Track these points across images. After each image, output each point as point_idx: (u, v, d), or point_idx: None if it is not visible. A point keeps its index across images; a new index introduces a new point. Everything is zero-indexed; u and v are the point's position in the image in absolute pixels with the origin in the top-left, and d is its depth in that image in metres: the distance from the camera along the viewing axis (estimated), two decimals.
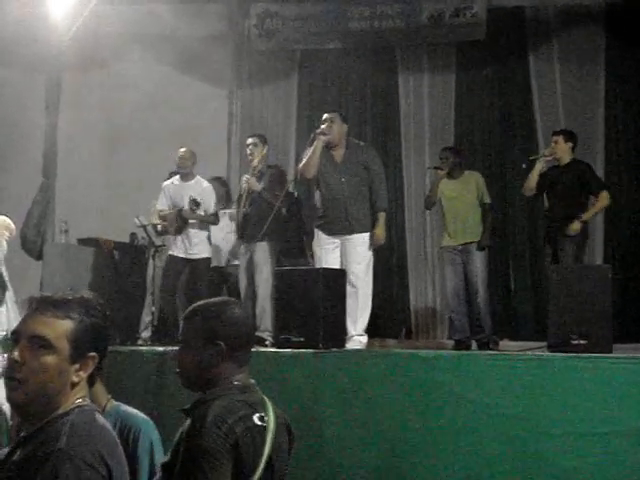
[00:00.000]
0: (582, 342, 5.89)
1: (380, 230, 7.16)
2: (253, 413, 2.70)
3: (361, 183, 7.21)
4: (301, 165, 7.32)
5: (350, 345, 6.79)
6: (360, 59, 10.61)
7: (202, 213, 8.16)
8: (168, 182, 8.43)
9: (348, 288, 6.83)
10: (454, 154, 8.27)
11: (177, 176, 8.43)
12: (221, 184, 9.09)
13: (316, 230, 7.28)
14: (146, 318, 8.42)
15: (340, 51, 10.57)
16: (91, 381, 2.27)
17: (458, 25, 10.08)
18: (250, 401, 2.74)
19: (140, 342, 8.09)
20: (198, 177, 8.39)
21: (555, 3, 10.14)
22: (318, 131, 7.17)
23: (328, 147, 7.23)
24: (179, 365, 2.86)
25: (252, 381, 2.85)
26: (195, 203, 8.05)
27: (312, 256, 7.68)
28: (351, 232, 7.10)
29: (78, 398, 2.20)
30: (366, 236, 7.13)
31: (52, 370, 2.15)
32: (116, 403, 3.48)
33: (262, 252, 7.92)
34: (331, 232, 7.15)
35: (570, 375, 5.48)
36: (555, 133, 8.00)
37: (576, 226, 7.51)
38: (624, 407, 5.34)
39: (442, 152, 8.42)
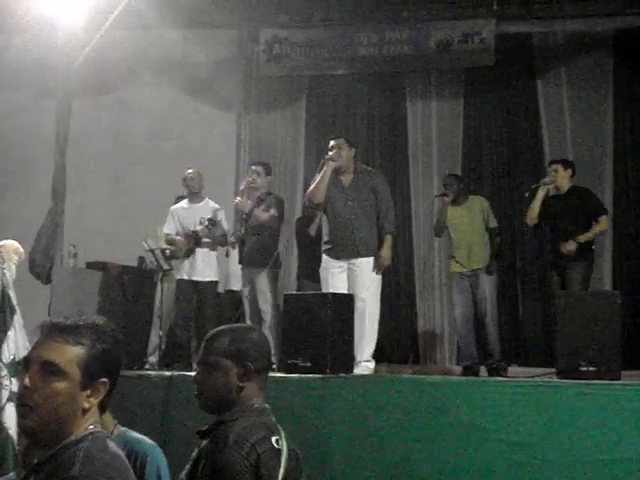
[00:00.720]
0: (591, 369, 5.88)
1: (386, 252, 7.15)
2: (271, 435, 2.74)
3: (368, 207, 7.22)
4: (309, 190, 7.33)
5: (357, 371, 6.76)
6: (368, 85, 10.66)
7: (217, 233, 8.18)
8: (177, 206, 8.44)
9: (355, 313, 6.80)
10: (457, 181, 8.31)
11: (185, 200, 8.44)
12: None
13: (323, 255, 7.28)
14: (154, 342, 8.41)
15: (348, 77, 10.61)
16: (102, 407, 2.25)
17: (466, 51, 10.12)
18: (267, 423, 2.79)
19: (147, 366, 8.08)
20: (207, 199, 8.41)
21: (563, 29, 10.18)
22: (327, 157, 7.20)
23: (336, 172, 7.25)
24: (199, 387, 2.89)
25: (266, 405, 2.89)
26: (212, 222, 8.06)
27: None
28: (358, 256, 7.09)
29: (90, 425, 2.20)
30: (372, 260, 7.12)
31: (63, 396, 2.14)
32: (123, 429, 3.46)
33: (263, 279, 7.86)
34: (338, 256, 7.15)
35: (579, 402, 5.47)
36: (553, 162, 8.06)
37: (570, 246, 7.51)
38: (633, 434, 5.31)
39: (446, 179, 8.47)
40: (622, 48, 10.00)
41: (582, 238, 7.54)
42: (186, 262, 8.18)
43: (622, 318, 6.19)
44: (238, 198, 8.10)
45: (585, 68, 10.10)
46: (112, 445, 2.21)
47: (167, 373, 6.64)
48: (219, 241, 8.26)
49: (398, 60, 10.39)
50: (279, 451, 2.73)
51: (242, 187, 8.15)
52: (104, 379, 2.20)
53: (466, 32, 10.05)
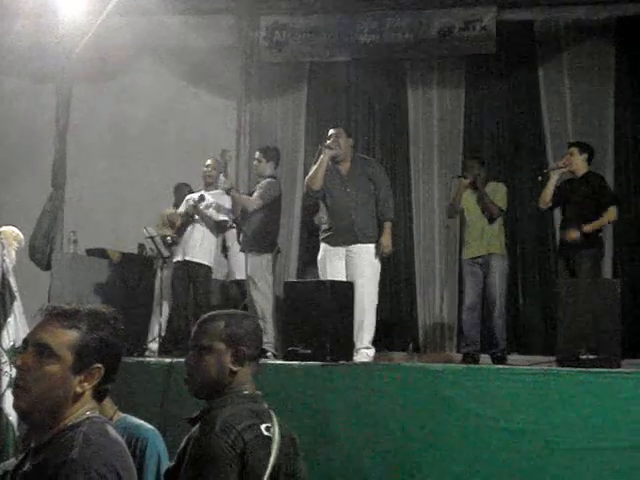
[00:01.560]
0: (591, 357, 5.88)
1: (386, 239, 7.16)
2: (261, 423, 2.72)
3: (366, 195, 7.25)
4: (307, 178, 7.35)
5: (357, 358, 6.78)
6: (369, 72, 10.62)
7: (207, 212, 8.16)
8: (193, 195, 8.46)
9: (354, 300, 6.82)
10: (479, 164, 8.18)
11: (201, 190, 8.44)
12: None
13: (322, 243, 7.29)
14: (154, 329, 8.42)
15: (349, 64, 10.59)
16: (100, 394, 2.26)
17: (467, 38, 10.08)
18: (258, 411, 2.77)
19: (147, 353, 8.09)
20: (221, 190, 8.40)
21: (564, 16, 10.14)
22: (325, 144, 7.21)
23: (334, 161, 7.27)
24: (190, 371, 2.86)
25: (258, 392, 2.87)
26: (201, 197, 8.08)
27: None
28: (355, 242, 7.10)
29: (87, 410, 2.20)
30: (371, 247, 7.14)
31: (54, 378, 2.15)
32: (123, 415, 3.48)
33: (254, 265, 7.82)
34: (336, 243, 7.16)
35: (579, 390, 5.48)
36: (571, 145, 7.92)
37: (573, 234, 7.45)
38: (632, 422, 5.33)
39: (468, 161, 8.38)
40: (624, 36, 9.97)
41: (588, 228, 7.43)
42: (181, 243, 8.21)
43: (622, 306, 6.18)
44: (222, 177, 8.07)
45: (586, 56, 10.07)
46: (111, 430, 2.22)
47: (166, 360, 6.64)
48: (215, 224, 8.25)
49: (399, 47, 10.35)
50: (269, 439, 2.70)
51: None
52: (98, 365, 2.20)
53: (467, 19, 10.02)
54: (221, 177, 8.04)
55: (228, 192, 7.90)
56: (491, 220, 7.98)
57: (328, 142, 7.23)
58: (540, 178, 7.85)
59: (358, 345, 6.90)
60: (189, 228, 8.31)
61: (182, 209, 8.44)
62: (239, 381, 2.81)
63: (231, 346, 2.83)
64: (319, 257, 7.27)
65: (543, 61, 10.21)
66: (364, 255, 7.09)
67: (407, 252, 10.35)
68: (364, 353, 6.93)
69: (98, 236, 9.54)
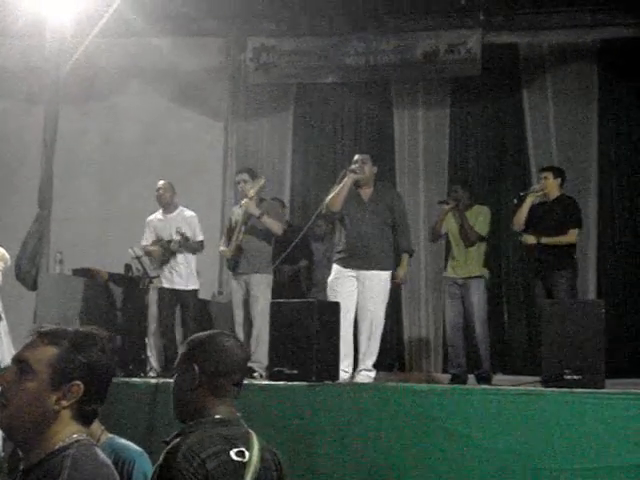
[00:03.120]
0: (575, 377, 5.91)
1: (403, 270, 7.34)
2: (231, 448, 2.62)
3: (384, 223, 7.31)
4: (329, 198, 7.31)
5: (359, 379, 6.91)
6: (355, 94, 10.70)
7: (191, 245, 8.20)
8: (152, 217, 8.47)
9: (360, 323, 7.05)
10: (462, 188, 8.30)
11: (160, 210, 8.45)
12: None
13: (334, 265, 7.32)
14: (155, 349, 8.40)
15: (336, 85, 10.65)
16: (86, 416, 2.23)
17: (452, 61, 10.17)
18: (229, 435, 2.66)
19: (151, 373, 8.04)
20: (181, 207, 8.43)
21: (548, 40, 10.25)
22: (350, 168, 7.27)
23: (356, 185, 7.33)
24: (172, 393, 2.82)
25: (237, 415, 2.76)
26: (185, 238, 8.07)
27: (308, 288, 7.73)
28: (369, 268, 7.15)
29: (75, 433, 2.19)
30: (383, 275, 7.20)
31: (30, 394, 2.14)
32: (110, 435, 3.47)
33: (258, 284, 7.91)
34: (349, 265, 7.19)
35: (563, 410, 5.50)
36: (544, 169, 8.11)
37: (530, 240, 7.65)
38: (617, 443, 5.34)
39: (452, 185, 8.53)
40: (607, 59, 10.08)
41: (546, 240, 7.61)
42: (166, 270, 8.20)
43: (606, 327, 6.21)
44: (245, 200, 7.96)
45: (570, 79, 10.17)
46: (100, 453, 2.20)
47: (152, 381, 6.64)
48: (195, 248, 8.28)
49: (385, 69, 10.44)
50: (241, 464, 2.61)
51: (251, 194, 8.01)
52: (77, 382, 2.17)
53: (452, 42, 10.11)
54: (251, 203, 7.95)
55: (259, 218, 7.87)
56: (470, 244, 8.08)
57: (353, 166, 7.29)
58: (515, 201, 7.98)
59: (361, 367, 7.05)
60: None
61: (145, 241, 8.38)
62: (205, 404, 2.70)
63: (187, 365, 2.73)
64: (330, 278, 7.30)
65: (527, 83, 10.30)
66: (376, 282, 7.15)
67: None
68: (366, 375, 7.04)
69: (84, 256, 9.53)
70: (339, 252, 7.32)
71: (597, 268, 9.70)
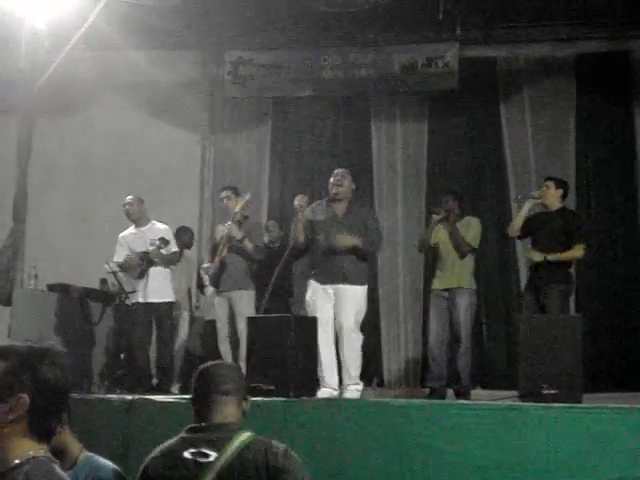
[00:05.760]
0: (553, 392, 5.90)
1: (348, 239, 7.10)
2: (186, 449, 2.95)
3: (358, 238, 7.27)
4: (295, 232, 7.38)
5: (347, 394, 6.91)
6: (333, 107, 10.71)
7: (165, 252, 8.13)
8: (124, 233, 8.38)
9: (339, 338, 7.05)
10: (453, 199, 8.24)
11: (132, 226, 8.38)
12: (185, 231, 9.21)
13: (310, 281, 7.29)
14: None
15: (313, 99, 10.65)
16: (42, 433, 2.22)
17: (430, 74, 10.19)
18: (192, 438, 3.00)
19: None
20: (153, 221, 8.36)
21: (526, 53, 10.31)
22: (295, 205, 7.26)
23: (332, 200, 7.33)
24: None
25: (229, 421, 3.08)
26: (164, 241, 8.01)
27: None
28: (344, 282, 7.12)
29: (31, 450, 2.17)
30: (358, 289, 7.18)
31: None
32: (89, 454, 3.48)
33: (242, 301, 7.98)
34: (324, 281, 7.17)
35: (541, 425, 5.48)
36: (548, 179, 7.96)
37: (538, 257, 7.48)
38: (594, 457, 5.34)
39: (443, 196, 8.41)
40: (584, 73, 10.15)
41: (552, 257, 7.46)
42: (141, 284, 8.12)
43: (584, 341, 6.21)
44: (228, 223, 8.05)
45: (548, 92, 10.23)
46: (57, 469, 2.19)
47: (128, 397, 6.57)
48: (170, 259, 8.22)
49: (363, 83, 10.44)
50: (198, 463, 2.91)
51: (237, 209, 8.04)
52: (22, 395, 2.16)
53: (430, 56, 10.13)
54: (234, 227, 8.00)
55: (241, 241, 7.95)
56: (462, 256, 8.04)
57: (296, 203, 7.25)
58: (513, 201, 7.92)
59: (347, 381, 7.04)
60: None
61: (118, 258, 8.32)
62: (205, 413, 3.07)
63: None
64: (307, 295, 7.28)
65: (505, 97, 10.35)
66: (351, 296, 7.13)
67: (371, 285, 10.31)
68: (353, 389, 7.05)
69: (59, 271, 9.45)
70: (314, 268, 7.31)
71: (576, 283, 9.70)
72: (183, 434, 3.05)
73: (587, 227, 7.91)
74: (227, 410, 3.10)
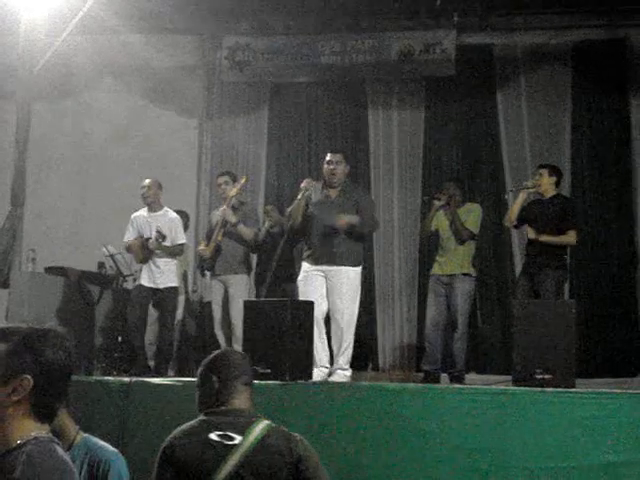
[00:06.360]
0: (546, 376, 5.94)
1: (346, 218, 7.12)
2: (211, 432, 3.10)
3: None
4: (288, 210, 7.46)
5: (334, 378, 6.89)
6: (330, 93, 10.72)
7: (168, 244, 8.13)
8: (137, 214, 8.37)
9: (332, 321, 7.02)
10: (454, 186, 8.28)
11: (145, 208, 8.38)
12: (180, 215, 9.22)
13: (303, 263, 7.32)
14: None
15: (311, 84, 10.67)
16: (44, 413, 2.23)
17: (427, 61, 10.21)
18: (217, 422, 3.14)
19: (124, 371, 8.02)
20: (166, 208, 8.34)
21: (523, 41, 10.31)
22: (302, 185, 7.32)
23: (328, 186, 7.35)
24: None
25: (248, 407, 3.27)
26: (161, 235, 8.01)
27: None
28: (336, 263, 7.11)
29: (32, 430, 2.19)
30: (351, 271, 7.16)
31: None
32: (85, 435, 3.48)
33: (237, 286, 8.01)
34: (317, 262, 7.17)
35: (534, 409, 5.53)
36: (540, 166, 8.05)
37: (531, 234, 7.60)
38: (587, 442, 5.39)
39: (445, 182, 8.46)
40: (580, 61, 10.17)
41: (545, 237, 7.57)
42: (145, 268, 8.14)
43: (577, 327, 6.26)
44: (223, 207, 8.10)
45: (544, 80, 10.24)
46: (58, 449, 2.21)
47: (125, 379, 6.61)
48: (173, 252, 8.22)
49: (360, 69, 10.45)
50: (224, 445, 3.07)
51: (232, 194, 8.09)
52: (26, 376, 2.18)
53: (427, 42, 10.14)
54: (228, 211, 8.05)
55: (236, 226, 7.99)
56: (462, 242, 8.08)
57: (304, 184, 7.30)
58: (507, 196, 7.97)
59: (336, 365, 7.02)
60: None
61: (127, 238, 8.33)
62: (226, 399, 3.23)
63: (217, 376, 3.28)
64: (300, 276, 7.30)
65: (501, 84, 10.36)
66: (344, 279, 7.11)
67: (366, 270, 10.35)
68: (341, 374, 7.02)
69: (57, 254, 9.49)
70: (307, 250, 7.33)
71: (570, 268, 9.75)
72: (203, 417, 3.20)
73: (580, 214, 7.93)
74: (246, 398, 3.28)
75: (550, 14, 10.14)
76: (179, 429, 3.18)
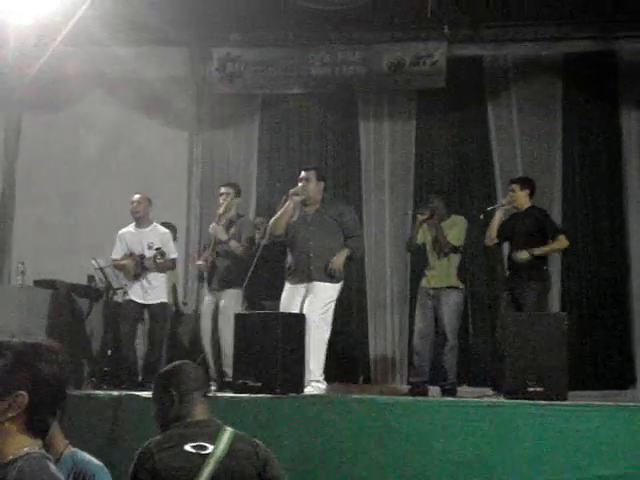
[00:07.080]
0: (538, 389, 5.93)
1: (337, 258, 7.13)
2: (186, 443, 3.23)
3: (329, 236, 7.25)
4: (271, 221, 7.40)
5: (307, 390, 6.76)
6: (321, 104, 10.72)
7: (162, 263, 8.10)
8: (124, 230, 8.32)
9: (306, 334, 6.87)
10: (438, 199, 8.31)
11: (133, 224, 8.33)
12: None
13: (285, 283, 7.32)
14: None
15: (301, 96, 10.66)
16: (37, 429, 2.21)
17: (418, 73, 10.20)
18: (187, 433, 3.29)
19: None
20: (155, 223, 8.30)
21: (513, 53, 10.33)
22: (291, 192, 7.25)
23: (303, 204, 7.32)
24: None
25: (209, 417, 3.42)
26: (161, 254, 7.96)
27: None
28: (311, 280, 7.12)
29: (25, 446, 2.17)
30: (326, 286, 7.13)
31: None
32: (73, 449, 3.49)
33: (228, 299, 7.97)
34: (296, 281, 7.20)
35: (526, 422, 5.52)
36: (511, 182, 8.13)
37: (524, 255, 7.57)
38: (579, 455, 5.37)
39: (429, 195, 8.51)
40: (571, 72, 10.18)
41: (537, 251, 7.57)
42: (137, 284, 8.10)
43: (569, 339, 6.25)
44: (213, 224, 8.09)
45: (535, 91, 10.26)
46: (51, 466, 2.18)
47: (115, 393, 6.58)
48: (167, 266, 8.19)
49: (351, 80, 10.44)
50: (199, 455, 3.21)
51: (219, 212, 8.08)
52: (21, 392, 2.15)
53: (418, 54, 10.14)
54: (219, 229, 8.01)
55: (227, 243, 7.98)
56: (444, 255, 8.08)
57: (294, 189, 7.27)
58: (482, 216, 8.01)
59: (310, 377, 6.91)
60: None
61: (116, 255, 8.28)
62: (187, 412, 3.37)
63: (175, 389, 3.42)
64: (282, 296, 7.28)
65: (492, 96, 10.37)
66: (318, 292, 7.09)
67: (358, 283, 10.36)
68: (315, 386, 6.93)
69: (47, 267, 9.43)
70: (288, 269, 7.34)
71: (561, 280, 9.75)
72: (175, 430, 3.32)
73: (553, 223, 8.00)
74: (205, 409, 3.44)
75: (540, 26, 10.15)
76: (152, 441, 3.29)
